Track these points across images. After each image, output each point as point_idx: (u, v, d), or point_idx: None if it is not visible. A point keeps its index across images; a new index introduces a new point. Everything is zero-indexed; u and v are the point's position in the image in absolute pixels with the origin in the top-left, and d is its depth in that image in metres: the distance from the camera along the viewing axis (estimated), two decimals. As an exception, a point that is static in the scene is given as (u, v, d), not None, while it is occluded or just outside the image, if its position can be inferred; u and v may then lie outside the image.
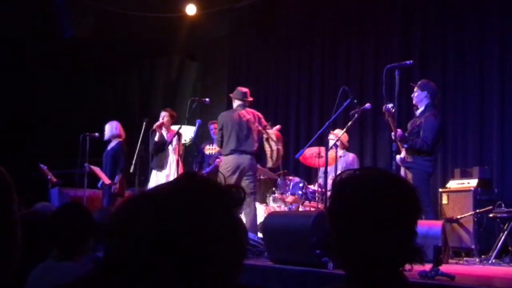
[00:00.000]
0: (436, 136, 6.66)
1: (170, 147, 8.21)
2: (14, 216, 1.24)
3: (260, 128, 7.33)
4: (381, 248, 1.60)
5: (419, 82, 6.82)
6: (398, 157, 6.62)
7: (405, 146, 6.64)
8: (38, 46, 11.03)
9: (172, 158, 8.25)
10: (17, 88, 11.32)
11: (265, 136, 7.40)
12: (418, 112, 6.84)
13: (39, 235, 2.88)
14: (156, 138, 8.24)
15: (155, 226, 1.04)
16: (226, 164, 7.18)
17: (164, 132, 8.34)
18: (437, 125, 6.69)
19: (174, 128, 8.55)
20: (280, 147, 7.51)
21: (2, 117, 11.14)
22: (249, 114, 7.34)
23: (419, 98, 6.77)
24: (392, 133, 6.48)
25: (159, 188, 1.13)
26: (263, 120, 7.48)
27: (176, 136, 8.01)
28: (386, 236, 1.60)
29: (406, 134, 6.68)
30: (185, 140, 8.25)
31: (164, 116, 8.39)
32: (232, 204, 1.14)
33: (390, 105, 6.23)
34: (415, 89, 6.78)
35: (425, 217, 6.41)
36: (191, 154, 9.43)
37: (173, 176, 8.06)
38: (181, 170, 8.01)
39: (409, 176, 6.69)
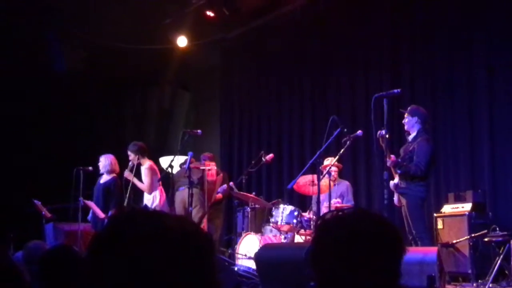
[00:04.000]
0: (429, 160, 6.67)
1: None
2: None
3: None
4: (363, 292, 1.60)
5: (409, 108, 6.85)
6: (391, 183, 6.63)
7: (399, 171, 6.66)
8: (30, 81, 11.05)
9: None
10: (8, 124, 11.31)
11: None
12: (410, 137, 6.86)
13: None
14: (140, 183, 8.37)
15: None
16: None
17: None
18: (430, 149, 6.71)
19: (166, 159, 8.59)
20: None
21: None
22: None
23: (410, 124, 6.80)
24: (386, 159, 6.50)
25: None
26: None
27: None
28: (367, 279, 1.60)
29: (400, 160, 6.70)
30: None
31: (130, 157, 8.43)
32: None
33: (384, 131, 6.27)
34: (405, 115, 6.81)
35: (421, 243, 6.41)
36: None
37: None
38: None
39: (403, 202, 6.70)
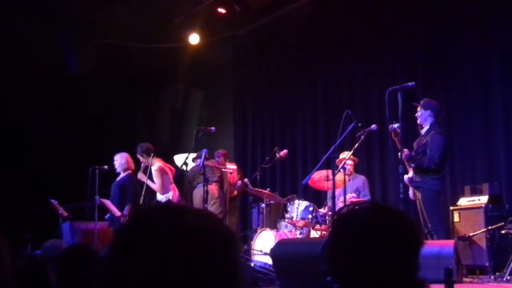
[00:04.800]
0: (443, 153, 6.65)
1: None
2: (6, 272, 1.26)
3: None
4: (381, 285, 1.60)
5: (421, 102, 6.83)
6: (406, 177, 6.62)
7: (413, 165, 6.64)
8: (44, 83, 11.13)
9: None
10: (24, 124, 11.41)
11: None
12: (423, 131, 6.84)
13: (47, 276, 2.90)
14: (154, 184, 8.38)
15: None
16: None
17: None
18: (443, 142, 6.69)
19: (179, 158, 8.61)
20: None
21: (11, 154, 11.22)
22: None
23: (423, 117, 6.78)
24: (399, 153, 6.49)
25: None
26: None
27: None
28: (385, 272, 1.60)
29: (413, 153, 6.68)
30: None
31: (140, 159, 8.47)
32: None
33: (396, 125, 6.25)
34: (418, 109, 6.79)
35: (436, 236, 6.39)
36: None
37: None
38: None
39: (418, 195, 6.69)
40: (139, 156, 8.48)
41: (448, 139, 7.02)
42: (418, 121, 6.85)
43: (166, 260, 1.06)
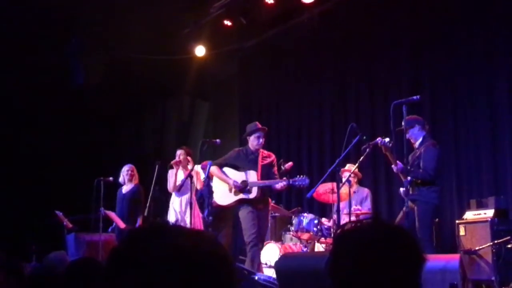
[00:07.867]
0: (437, 165, 6.69)
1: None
2: None
3: None
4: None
5: (404, 123, 6.72)
6: (401, 189, 6.62)
7: (409, 178, 6.63)
8: (51, 94, 11.17)
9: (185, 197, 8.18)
10: (30, 135, 11.44)
11: None
12: (416, 144, 6.91)
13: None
14: (172, 178, 8.11)
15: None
16: None
17: (180, 170, 8.19)
18: (437, 154, 6.75)
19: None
20: None
21: (17, 164, 11.26)
22: None
23: (414, 134, 6.87)
24: (393, 166, 6.51)
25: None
26: None
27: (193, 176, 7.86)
28: (386, 290, 1.59)
29: (408, 167, 6.68)
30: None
31: (180, 154, 8.18)
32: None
33: (386, 139, 6.29)
34: (405, 131, 6.74)
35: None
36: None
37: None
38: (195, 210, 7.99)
39: (414, 208, 6.66)
40: (184, 153, 8.18)
41: (441, 150, 7.01)
42: (412, 141, 6.91)
43: (160, 281, 1.05)
